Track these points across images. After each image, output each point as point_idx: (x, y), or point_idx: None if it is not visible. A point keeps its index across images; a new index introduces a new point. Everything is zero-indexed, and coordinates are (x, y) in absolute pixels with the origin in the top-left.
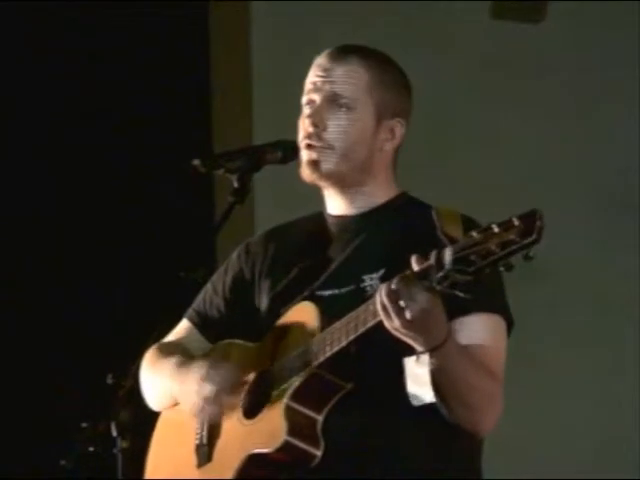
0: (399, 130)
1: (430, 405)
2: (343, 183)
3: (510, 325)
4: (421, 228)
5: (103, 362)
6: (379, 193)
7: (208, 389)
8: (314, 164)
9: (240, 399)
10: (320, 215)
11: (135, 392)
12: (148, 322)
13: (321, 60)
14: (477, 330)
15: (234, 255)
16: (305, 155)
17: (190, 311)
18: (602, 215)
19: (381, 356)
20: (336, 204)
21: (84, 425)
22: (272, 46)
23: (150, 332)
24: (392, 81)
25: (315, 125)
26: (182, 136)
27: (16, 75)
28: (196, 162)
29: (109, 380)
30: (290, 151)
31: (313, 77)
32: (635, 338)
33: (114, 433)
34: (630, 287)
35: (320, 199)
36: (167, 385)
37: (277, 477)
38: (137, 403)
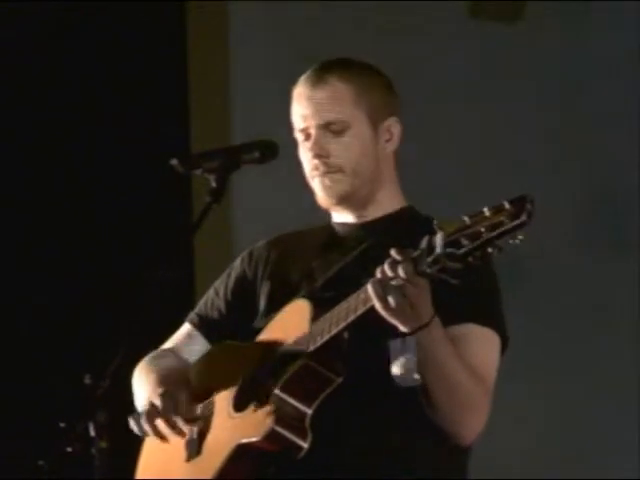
0: (396, 128)
1: (415, 404)
2: (358, 198)
3: (505, 343)
4: (421, 237)
5: (81, 362)
6: (387, 202)
7: (151, 404)
8: (329, 190)
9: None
10: (327, 225)
11: (113, 392)
12: (125, 322)
13: (301, 90)
14: (470, 337)
15: (237, 260)
16: (319, 183)
17: (192, 314)
18: (600, 215)
19: (366, 346)
20: (343, 214)
21: (62, 425)
22: (250, 45)
23: (127, 332)
24: (375, 84)
25: (319, 155)
26: (160, 136)
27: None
28: (174, 162)
29: (87, 380)
30: (268, 151)
31: (300, 109)
32: (632, 339)
33: (92, 433)
34: (628, 288)
35: (299, 198)
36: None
37: (264, 469)
38: (115, 403)
